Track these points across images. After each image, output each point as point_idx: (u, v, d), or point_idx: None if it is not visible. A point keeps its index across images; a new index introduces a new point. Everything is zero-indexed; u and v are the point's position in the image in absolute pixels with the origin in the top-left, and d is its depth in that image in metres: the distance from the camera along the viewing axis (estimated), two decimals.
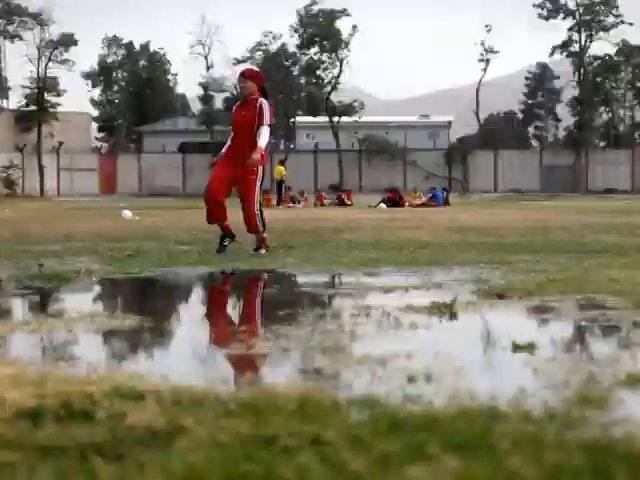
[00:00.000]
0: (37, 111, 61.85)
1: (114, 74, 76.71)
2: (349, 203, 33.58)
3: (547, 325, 4.08)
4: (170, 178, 63.32)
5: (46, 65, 63.46)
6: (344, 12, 65.23)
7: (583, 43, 65.92)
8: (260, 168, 8.38)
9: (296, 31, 64.89)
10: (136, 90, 78.28)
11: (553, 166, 62.14)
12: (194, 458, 1.95)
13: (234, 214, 8.56)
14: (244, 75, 8.49)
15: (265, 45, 66.00)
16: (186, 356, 3.49)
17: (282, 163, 35.66)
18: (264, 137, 8.25)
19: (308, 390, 2.58)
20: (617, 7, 65.30)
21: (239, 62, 65.54)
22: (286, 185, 34.34)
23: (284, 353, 3.41)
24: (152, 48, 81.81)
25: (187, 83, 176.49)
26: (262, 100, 8.33)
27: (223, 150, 8.56)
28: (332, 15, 64.57)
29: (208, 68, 66.67)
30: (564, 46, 66.09)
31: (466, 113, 71.76)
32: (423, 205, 31.98)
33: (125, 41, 77.84)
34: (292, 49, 65.78)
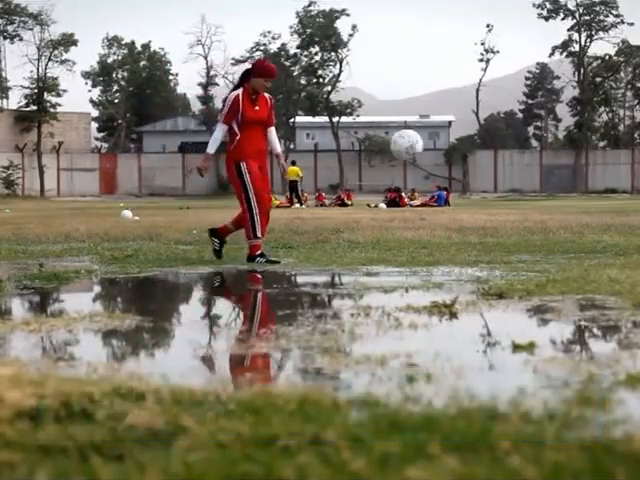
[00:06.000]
0: (37, 111, 61.87)
1: (114, 74, 76.69)
2: (349, 203, 33.61)
3: (547, 325, 4.08)
4: (170, 178, 63.34)
5: (46, 65, 63.51)
6: (343, 12, 65.27)
7: (583, 43, 65.95)
8: None
9: (296, 32, 64.92)
10: (136, 90, 78.26)
11: (553, 166, 62.18)
12: (194, 458, 1.95)
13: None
14: (275, 75, 7.83)
15: (264, 45, 66.04)
16: (186, 356, 3.48)
17: (294, 163, 35.79)
18: (277, 141, 8.07)
19: (308, 390, 2.58)
20: (617, 7, 65.34)
21: (238, 62, 65.62)
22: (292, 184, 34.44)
23: (284, 353, 3.41)
24: (153, 48, 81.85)
25: (187, 83, 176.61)
26: (270, 97, 7.91)
27: (211, 150, 7.78)
28: (331, 15, 64.60)
29: (208, 68, 66.69)
30: (564, 46, 66.11)
31: (466, 113, 71.75)
32: (423, 205, 32.01)
33: (125, 41, 77.81)
34: (292, 49, 65.82)
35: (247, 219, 7.59)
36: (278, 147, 8.04)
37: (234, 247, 9.09)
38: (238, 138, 7.60)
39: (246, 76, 7.72)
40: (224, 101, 7.77)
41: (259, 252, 7.52)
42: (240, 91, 7.62)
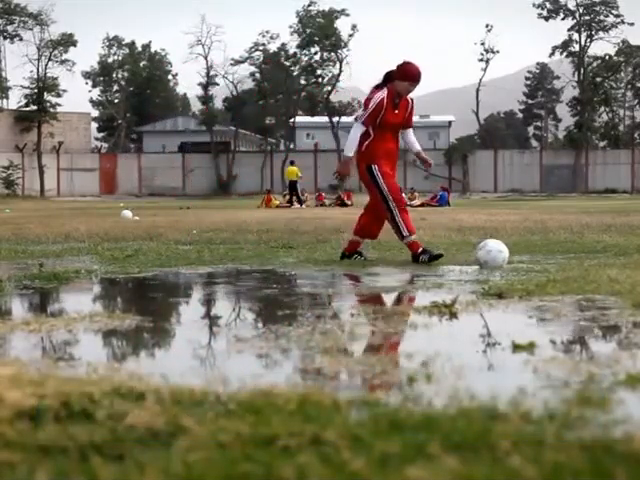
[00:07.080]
0: (37, 111, 61.91)
1: (114, 74, 76.72)
2: (349, 203, 33.60)
3: (547, 325, 4.08)
4: (170, 178, 63.34)
5: (46, 65, 63.55)
6: (343, 12, 65.28)
7: (583, 43, 65.95)
8: None
9: (296, 31, 64.94)
10: (136, 90, 78.30)
11: (553, 166, 62.18)
12: (194, 458, 1.95)
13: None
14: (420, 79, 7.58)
15: (263, 45, 66.04)
16: (186, 356, 3.48)
17: (293, 164, 35.78)
18: (416, 140, 7.99)
19: (308, 390, 2.58)
20: (617, 7, 65.36)
21: (238, 62, 65.62)
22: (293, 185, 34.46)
23: (284, 353, 3.41)
24: (153, 48, 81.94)
25: (187, 83, 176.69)
26: (412, 98, 7.68)
27: (350, 153, 7.49)
28: (331, 15, 64.62)
29: (208, 68, 66.68)
30: (564, 46, 66.12)
31: (466, 113, 71.74)
32: (423, 205, 32.04)
33: (126, 41, 77.83)
34: (292, 49, 65.84)
35: (390, 221, 7.56)
36: (417, 145, 7.98)
37: (234, 247, 9.09)
38: (371, 139, 7.45)
39: (389, 77, 7.54)
40: (366, 101, 7.50)
41: (420, 250, 7.41)
42: (385, 94, 7.41)
